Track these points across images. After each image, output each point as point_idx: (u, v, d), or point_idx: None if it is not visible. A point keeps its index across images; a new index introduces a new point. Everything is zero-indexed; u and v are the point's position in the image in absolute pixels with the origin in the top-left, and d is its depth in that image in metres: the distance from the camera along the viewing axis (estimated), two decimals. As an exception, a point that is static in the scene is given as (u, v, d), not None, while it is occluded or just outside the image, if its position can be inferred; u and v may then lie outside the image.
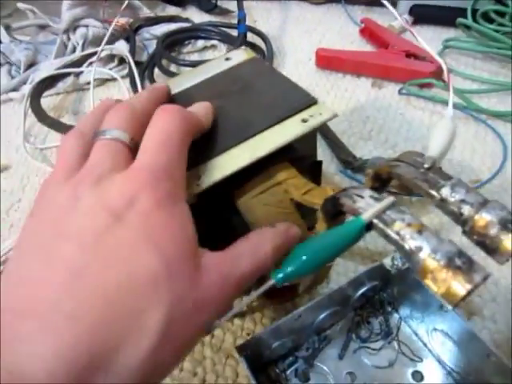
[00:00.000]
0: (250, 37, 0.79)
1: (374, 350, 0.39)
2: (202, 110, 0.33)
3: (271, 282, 0.22)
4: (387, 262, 0.37)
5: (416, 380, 0.37)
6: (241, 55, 0.43)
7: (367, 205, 0.23)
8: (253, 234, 0.28)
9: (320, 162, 0.41)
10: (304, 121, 0.34)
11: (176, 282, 0.21)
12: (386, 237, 0.22)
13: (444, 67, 0.45)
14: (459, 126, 0.60)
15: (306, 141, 0.37)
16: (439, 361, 0.37)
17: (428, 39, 0.72)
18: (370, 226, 0.23)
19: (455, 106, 0.61)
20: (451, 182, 0.23)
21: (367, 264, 0.45)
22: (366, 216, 0.23)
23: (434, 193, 0.24)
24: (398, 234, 0.22)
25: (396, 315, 0.40)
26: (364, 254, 0.47)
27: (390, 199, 0.23)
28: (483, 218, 0.22)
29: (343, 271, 0.46)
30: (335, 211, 0.26)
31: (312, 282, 0.37)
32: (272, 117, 0.35)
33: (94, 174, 0.23)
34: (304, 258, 0.22)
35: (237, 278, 0.23)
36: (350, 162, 0.55)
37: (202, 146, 0.34)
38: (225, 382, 0.39)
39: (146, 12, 0.87)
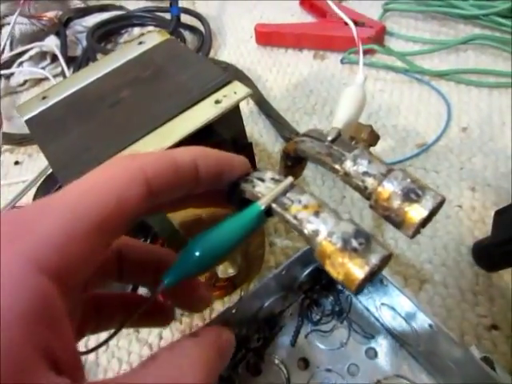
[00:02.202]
0: (189, 19, 0.75)
1: (325, 332, 0.37)
2: None
3: (162, 286, 0.20)
4: None
5: (370, 357, 0.36)
6: (155, 38, 0.40)
7: (267, 188, 0.21)
8: (165, 355, 0.18)
9: (250, 144, 0.39)
10: (217, 102, 0.32)
11: None
12: (287, 222, 0.20)
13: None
14: (403, 89, 0.58)
15: (229, 122, 0.35)
16: (391, 334, 0.36)
17: (368, 5, 0.70)
18: (269, 212, 0.21)
19: (396, 70, 0.59)
20: (353, 154, 0.22)
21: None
22: (262, 201, 0.21)
23: (337, 167, 0.22)
24: (295, 218, 0.20)
25: (346, 293, 0.39)
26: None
27: (287, 180, 0.21)
28: (386, 190, 0.20)
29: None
30: (240, 199, 0.23)
31: (246, 275, 0.35)
32: (183, 102, 0.33)
33: None
34: (197, 254, 0.20)
35: None
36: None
37: (107, 141, 0.31)
38: None
39: (76, 3, 0.82)
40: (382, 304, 0.35)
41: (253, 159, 0.40)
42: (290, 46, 0.68)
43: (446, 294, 0.40)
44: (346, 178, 0.22)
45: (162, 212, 0.32)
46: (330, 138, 0.23)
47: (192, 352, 0.18)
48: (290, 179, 0.21)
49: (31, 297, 0.13)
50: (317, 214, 0.19)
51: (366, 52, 0.62)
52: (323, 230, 0.19)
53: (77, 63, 0.72)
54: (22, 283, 0.13)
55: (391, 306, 0.34)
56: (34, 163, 0.61)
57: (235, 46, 0.72)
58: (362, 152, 0.22)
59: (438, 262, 0.42)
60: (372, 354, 0.36)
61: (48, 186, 0.46)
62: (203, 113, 0.32)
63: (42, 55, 0.74)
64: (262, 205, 0.21)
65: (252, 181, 0.22)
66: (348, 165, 0.21)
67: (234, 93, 0.33)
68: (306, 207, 0.20)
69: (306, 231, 0.19)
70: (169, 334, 0.41)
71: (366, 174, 0.21)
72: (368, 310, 0.38)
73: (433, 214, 0.20)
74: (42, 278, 0.14)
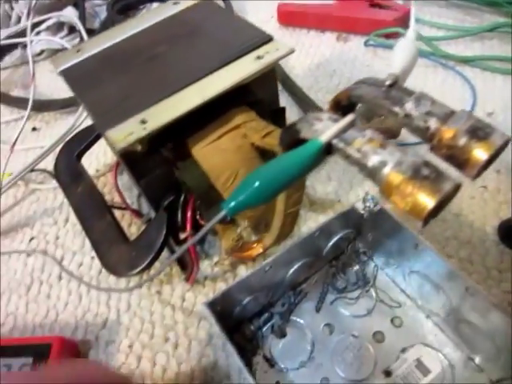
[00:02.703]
0: (210, -2, 0.75)
1: (351, 299, 0.37)
2: None
3: (222, 213, 0.20)
4: (358, 205, 0.35)
5: (395, 325, 0.36)
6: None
7: (326, 127, 0.21)
8: None
9: (283, 109, 0.39)
10: (259, 58, 0.32)
11: None
12: (348, 157, 0.20)
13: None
14: (428, 74, 0.58)
15: (265, 83, 0.35)
16: (417, 305, 0.36)
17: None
18: (330, 149, 0.21)
19: (421, 54, 0.59)
20: (415, 96, 0.21)
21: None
22: (324, 137, 0.20)
23: (397, 109, 0.21)
24: (359, 151, 0.19)
25: (372, 264, 0.39)
26: (337, 208, 0.46)
27: (349, 117, 0.21)
28: (451, 129, 0.20)
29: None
30: (294, 141, 0.23)
31: (278, 235, 0.35)
32: (224, 56, 0.32)
33: None
34: (257, 184, 0.20)
35: None
36: (317, 116, 0.52)
37: (146, 90, 0.31)
38: (199, 344, 0.37)
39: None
40: (412, 272, 0.35)
41: (284, 124, 0.40)
42: (312, 27, 0.67)
43: (471, 269, 0.40)
44: (406, 120, 0.21)
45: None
46: (388, 83, 0.22)
47: None
48: (351, 116, 0.21)
49: None
50: (383, 146, 0.19)
51: (390, 35, 0.62)
52: (391, 161, 0.18)
53: (94, 35, 0.71)
54: None
55: (423, 273, 0.34)
56: (52, 130, 0.60)
57: (257, 25, 0.71)
58: (423, 94, 0.21)
59: (464, 238, 0.42)
60: (398, 322, 0.36)
61: (71, 147, 0.45)
62: (244, 67, 0.31)
63: (59, 26, 0.73)
64: (323, 140, 0.20)
65: (309, 121, 0.22)
66: (410, 106, 0.21)
67: (275, 50, 0.32)
68: (371, 140, 0.19)
69: (370, 163, 0.19)
70: (192, 295, 0.40)
71: (429, 113, 0.21)
72: (394, 281, 0.37)
73: (496, 155, 0.20)
74: None
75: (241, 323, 0.36)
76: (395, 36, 0.62)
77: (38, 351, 0.35)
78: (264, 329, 0.36)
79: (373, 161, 0.19)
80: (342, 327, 0.36)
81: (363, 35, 0.64)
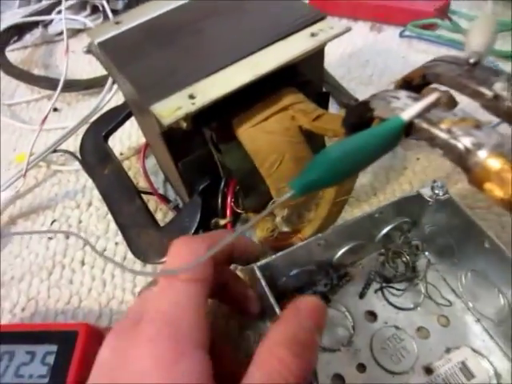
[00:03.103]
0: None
1: (398, 290, 0.35)
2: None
3: (290, 193, 0.18)
4: (425, 191, 0.32)
5: (442, 324, 0.34)
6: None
7: (405, 105, 0.19)
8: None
9: (327, 94, 0.37)
10: (314, 35, 0.30)
11: None
12: (433, 139, 0.18)
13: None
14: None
15: (314, 64, 0.33)
16: (468, 306, 0.34)
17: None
18: (409, 130, 0.19)
19: (459, 47, 0.57)
20: (505, 76, 0.19)
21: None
22: (406, 114, 0.18)
23: (484, 90, 0.19)
24: (449, 131, 0.17)
25: (423, 257, 0.36)
26: (373, 202, 0.44)
27: (435, 94, 0.18)
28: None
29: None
30: (362, 121, 0.21)
31: (320, 226, 0.33)
32: (276, 32, 0.30)
33: None
34: (332, 156, 0.18)
35: None
36: (351, 106, 0.50)
37: (193, 65, 0.29)
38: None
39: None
40: (470, 271, 0.33)
41: (327, 109, 0.38)
42: (344, 16, 0.65)
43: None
44: (495, 102, 0.19)
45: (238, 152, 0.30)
46: (472, 61, 0.20)
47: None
48: (437, 94, 0.19)
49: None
50: (478, 127, 0.17)
51: (427, 26, 0.60)
52: (489, 143, 0.16)
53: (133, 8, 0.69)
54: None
55: (483, 274, 0.31)
56: (74, 111, 0.58)
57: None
58: (514, 74, 0.19)
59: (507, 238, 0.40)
60: (444, 321, 0.34)
61: (99, 127, 0.44)
62: (298, 44, 0.29)
63: (82, 5, 0.71)
64: (406, 118, 0.18)
65: (385, 98, 0.20)
66: (500, 86, 0.19)
67: (329, 28, 0.30)
68: (463, 120, 0.17)
69: (461, 146, 0.17)
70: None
71: (524, 95, 0.19)
72: (445, 278, 0.35)
73: None
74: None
75: (282, 297, 0.34)
76: (433, 28, 0.60)
77: (63, 338, 0.33)
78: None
79: (466, 142, 0.17)
80: (385, 317, 0.34)
81: (398, 26, 0.62)
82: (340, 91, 0.53)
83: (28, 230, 0.46)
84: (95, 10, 0.71)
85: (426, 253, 0.37)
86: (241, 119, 0.30)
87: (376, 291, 0.35)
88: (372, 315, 0.34)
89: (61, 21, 0.70)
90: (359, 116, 0.21)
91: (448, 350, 0.32)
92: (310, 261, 0.32)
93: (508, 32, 0.58)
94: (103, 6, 0.67)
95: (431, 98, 0.18)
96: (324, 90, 0.37)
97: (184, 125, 0.26)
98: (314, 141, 0.32)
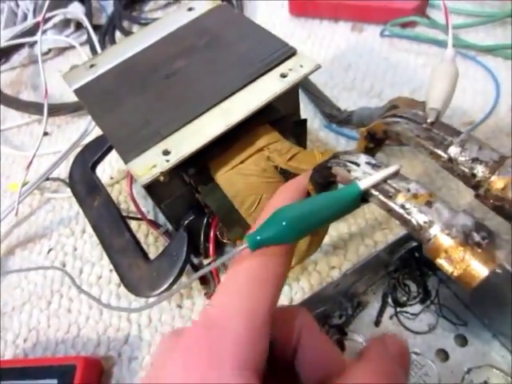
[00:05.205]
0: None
1: (412, 314, 0.36)
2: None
3: (244, 246, 0.19)
4: None
5: (460, 344, 0.34)
6: (205, 3, 0.37)
7: (364, 174, 0.20)
8: None
9: (304, 121, 0.37)
10: (283, 76, 0.30)
11: None
12: (389, 211, 0.19)
13: None
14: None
15: (288, 98, 0.33)
16: (483, 323, 0.34)
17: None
18: (366, 197, 0.20)
19: (440, 44, 0.57)
20: (460, 139, 0.20)
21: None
22: (363, 183, 0.19)
23: (440, 152, 0.20)
24: (402, 207, 0.18)
25: (434, 277, 0.37)
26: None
27: (393, 167, 0.19)
28: (501, 179, 0.18)
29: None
30: (326, 182, 0.22)
31: (302, 256, 0.34)
32: (246, 73, 0.31)
33: None
34: (284, 223, 0.19)
35: None
36: (334, 116, 0.51)
37: (167, 114, 0.30)
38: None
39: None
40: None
41: (305, 136, 0.38)
42: (325, 17, 0.65)
43: None
44: (450, 164, 0.20)
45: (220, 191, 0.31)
46: (429, 120, 0.21)
47: None
48: (396, 166, 0.19)
49: None
50: (429, 204, 0.18)
51: (407, 24, 0.59)
52: (439, 222, 0.17)
53: (102, 32, 0.69)
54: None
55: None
56: (64, 134, 0.59)
57: (266, 15, 0.68)
58: (469, 136, 0.20)
59: None
60: (462, 341, 0.34)
61: (85, 157, 0.44)
62: (269, 87, 0.30)
63: (65, 23, 0.71)
64: (363, 187, 0.19)
65: (345, 164, 0.21)
66: (454, 150, 0.20)
67: (300, 66, 0.31)
68: (415, 196, 0.18)
69: (415, 222, 0.18)
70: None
71: (475, 160, 0.19)
72: (458, 296, 0.36)
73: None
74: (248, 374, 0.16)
75: None
76: (413, 25, 0.59)
77: (62, 372, 0.35)
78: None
79: (418, 219, 0.18)
80: None
81: (379, 24, 0.61)
82: (323, 101, 0.53)
83: (26, 259, 0.47)
84: (79, 26, 0.71)
85: (437, 272, 0.37)
86: (218, 163, 0.31)
87: (391, 317, 0.36)
88: (390, 343, 0.35)
89: (46, 40, 0.70)
90: (323, 178, 0.22)
91: (469, 371, 0.33)
92: (324, 303, 0.33)
93: (493, 24, 0.57)
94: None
95: (389, 171, 0.19)
96: (301, 117, 0.37)
97: (161, 178, 0.27)
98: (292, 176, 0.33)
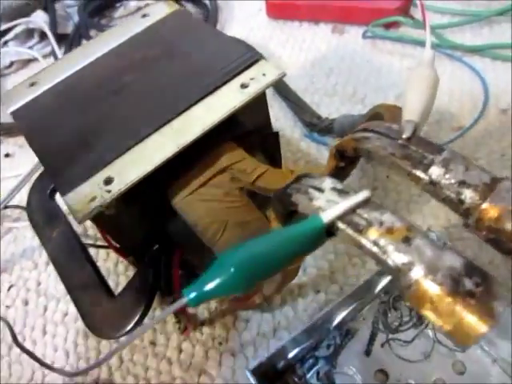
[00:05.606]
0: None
1: (405, 342, 0.33)
2: None
3: (182, 302, 0.15)
4: None
5: (458, 372, 0.31)
6: (161, 9, 0.34)
7: (329, 202, 0.16)
8: None
9: (276, 134, 0.34)
10: (244, 86, 0.27)
11: None
12: (359, 246, 0.15)
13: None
14: (434, 66, 0.53)
15: (254, 110, 0.30)
16: (481, 348, 0.31)
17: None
18: (332, 230, 0.16)
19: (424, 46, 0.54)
20: (443, 157, 0.16)
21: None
22: (327, 215, 0.16)
23: (419, 174, 0.17)
24: (375, 244, 0.15)
25: None
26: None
27: (363, 193, 0.16)
28: (494, 207, 0.15)
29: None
30: (288, 211, 0.19)
31: (279, 285, 0.31)
32: (202, 86, 0.27)
33: None
34: (233, 269, 0.15)
35: None
36: (314, 124, 0.47)
37: (111, 136, 0.26)
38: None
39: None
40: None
41: (278, 151, 0.35)
42: (304, 19, 0.61)
43: None
44: (432, 187, 0.17)
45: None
46: (405, 136, 0.18)
47: None
48: (366, 193, 0.16)
49: None
50: (407, 240, 0.14)
51: (390, 25, 0.56)
52: (420, 264, 0.14)
53: (68, 41, 0.65)
54: None
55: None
56: (27, 155, 0.54)
57: (243, 19, 0.65)
58: (454, 154, 0.16)
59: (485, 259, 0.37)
60: (460, 368, 0.31)
61: (43, 183, 0.41)
62: (227, 100, 0.26)
63: (28, 33, 0.67)
64: (326, 220, 0.16)
65: (307, 192, 0.17)
66: (436, 171, 0.16)
67: (262, 75, 0.27)
68: (390, 231, 0.15)
69: (392, 263, 0.14)
70: (189, 345, 0.36)
71: (462, 183, 0.16)
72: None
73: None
74: None
75: (283, 372, 0.32)
76: (396, 26, 0.56)
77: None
78: (308, 375, 0.32)
79: (395, 260, 0.14)
80: (397, 374, 0.32)
81: (361, 25, 0.58)
82: (302, 108, 0.50)
83: (-15, 296, 0.43)
84: (44, 36, 0.67)
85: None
86: (175, 188, 0.27)
87: (382, 345, 0.32)
88: (383, 373, 0.32)
89: (8, 52, 0.67)
90: (283, 207, 0.18)
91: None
92: (310, 336, 0.30)
93: (479, 23, 0.54)
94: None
95: (358, 198, 0.16)
96: (273, 130, 0.34)
97: (106, 211, 0.24)
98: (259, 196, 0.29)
